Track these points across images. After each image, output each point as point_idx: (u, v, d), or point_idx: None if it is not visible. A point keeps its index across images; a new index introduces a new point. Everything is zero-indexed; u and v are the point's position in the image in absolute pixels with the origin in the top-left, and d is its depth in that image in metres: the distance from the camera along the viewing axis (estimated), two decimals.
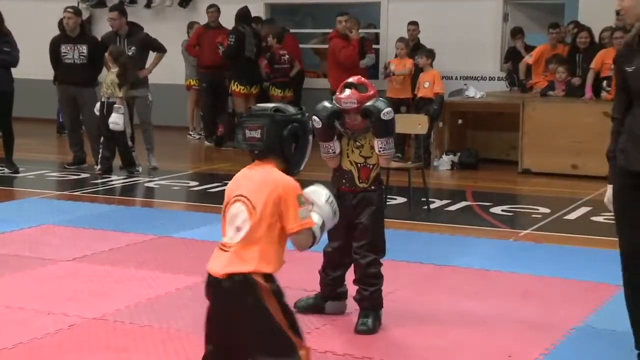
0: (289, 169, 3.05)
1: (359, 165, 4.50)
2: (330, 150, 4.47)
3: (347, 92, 4.39)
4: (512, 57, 12.38)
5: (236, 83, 12.27)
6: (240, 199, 2.98)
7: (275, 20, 13.63)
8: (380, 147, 4.43)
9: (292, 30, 13.71)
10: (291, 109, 3.08)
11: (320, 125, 4.38)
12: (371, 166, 4.52)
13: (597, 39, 10.89)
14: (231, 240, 2.97)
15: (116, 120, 9.38)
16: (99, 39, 10.52)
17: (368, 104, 4.37)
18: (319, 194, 3.13)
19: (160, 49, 10.40)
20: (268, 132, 2.99)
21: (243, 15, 12.44)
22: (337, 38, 11.61)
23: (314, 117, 4.35)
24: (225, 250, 2.98)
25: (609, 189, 3.93)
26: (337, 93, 4.43)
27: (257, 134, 3.00)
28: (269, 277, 2.93)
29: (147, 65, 10.28)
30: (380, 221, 4.57)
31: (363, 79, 4.51)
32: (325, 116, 4.38)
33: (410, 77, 11.24)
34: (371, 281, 4.48)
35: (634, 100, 3.74)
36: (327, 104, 4.45)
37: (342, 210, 4.15)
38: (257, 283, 2.89)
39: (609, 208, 3.97)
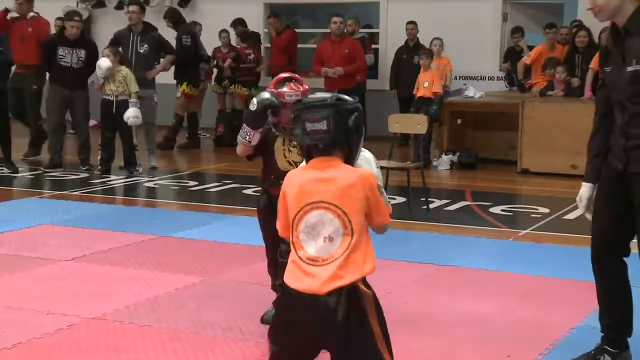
0: (349, 160, 2.82)
1: (297, 164, 4.14)
2: (249, 137, 4.25)
3: (290, 85, 4.25)
4: (511, 57, 12.39)
5: (190, 85, 12.03)
6: (322, 205, 2.74)
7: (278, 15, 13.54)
8: None
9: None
10: (349, 98, 2.88)
11: (254, 109, 4.16)
12: None
13: (596, 39, 10.90)
14: (325, 253, 2.73)
15: (137, 114, 9.41)
16: (113, 36, 10.59)
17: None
18: (367, 160, 2.99)
19: (172, 51, 10.40)
20: (335, 123, 2.76)
21: (178, 14, 12.26)
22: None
23: (253, 100, 4.20)
24: (318, 265, 2.72)
25: (587, 187, 3.85)
26: (272, 87, 4.25)
27: (322, 125, 2.76)
28: (366, 281, 2.78)
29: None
30: None
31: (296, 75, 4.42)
32: (265, 104, 4.14)
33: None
34: None
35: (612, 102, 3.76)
36: (269, 94, 4.20)
37: (274, 215, 4.12)
38: (363, 293, 2.72)
39: (581, 205, 3.90)
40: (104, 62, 9.36)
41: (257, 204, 4.52)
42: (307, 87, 4.34)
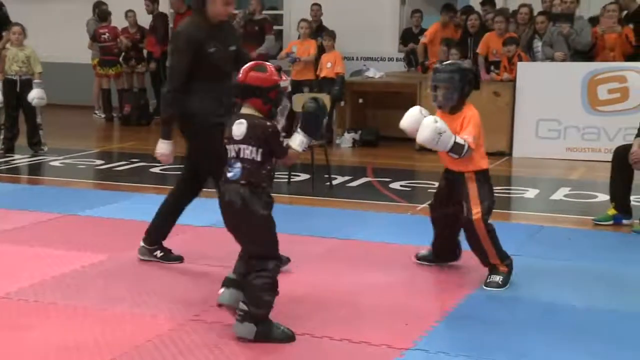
0: None
1: None
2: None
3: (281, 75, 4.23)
4: (407, 38, 12.66)
5: None
6: None
7: None
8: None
9: None
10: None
11: (321, 118, 4.22)
12: None
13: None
14: None
15: (42, 95, 9.34)
16: None
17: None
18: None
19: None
20: None
21: None
22: None
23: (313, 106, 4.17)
24: None
25: (169, 143, 4.99)
26: (277, 77, 4.08)
27: None
28: None
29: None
30: None
31: None
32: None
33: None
34: None
35: (208, 76, 4.86)
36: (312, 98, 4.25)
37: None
38: None
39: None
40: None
41: (270, 206, 4.05)
42: None
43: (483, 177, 4.94)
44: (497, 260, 4.91)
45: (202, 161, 5.05)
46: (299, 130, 4.15)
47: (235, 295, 4.04)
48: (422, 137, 4.78)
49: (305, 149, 4.16)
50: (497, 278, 4.89)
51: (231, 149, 4.02)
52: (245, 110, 4.05)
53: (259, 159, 3.97)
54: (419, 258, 5.42)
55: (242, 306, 3.96)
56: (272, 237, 4.01)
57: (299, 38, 11.82)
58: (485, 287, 4.87)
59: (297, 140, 4.12)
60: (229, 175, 4.00)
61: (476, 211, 4.84)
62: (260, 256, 3.99)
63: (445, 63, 5.12)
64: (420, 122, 4.85)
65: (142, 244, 5.34)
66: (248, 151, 3.97)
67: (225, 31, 5.04)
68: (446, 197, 5.12)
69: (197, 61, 4.87)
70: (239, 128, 3.98)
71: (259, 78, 3.99)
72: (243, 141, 3.97)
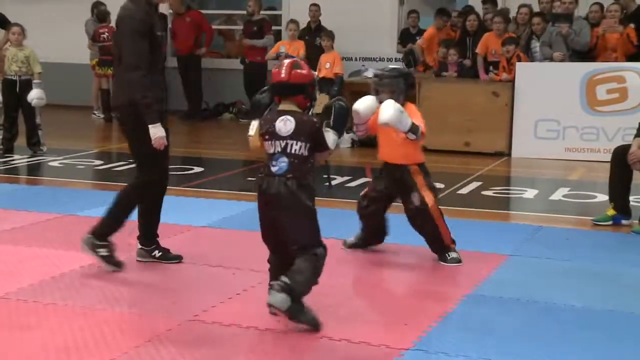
0: None
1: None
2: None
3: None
4: (404, 38, 12.69)
5: None
6: None
7: None
8: None
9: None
10: None
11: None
12: None
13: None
14: None
15: (41, 95, 9.36)
16: None
17: None
18: None
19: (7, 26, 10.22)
20: None
21: None
22: None
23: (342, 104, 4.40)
24: None
25: (160, 127, 4.91)
26: (315, 72, 4.60)
27: None
28: None
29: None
30: None
31: None
32: None
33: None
34: None
35: (153, 61, 4.93)
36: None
37: None
38: None
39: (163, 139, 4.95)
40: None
41: (314, 198, 4.22)
42: None
43: (424, 168, 5.47)
44: (449, 242, 5.37)
45: (145, 150, 4.98)
46: (328, 129, 4.25)
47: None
48: (387, 115, 5.03)
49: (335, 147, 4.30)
50: (454, 254, 5.37)
51: (276, 145, 4.13)
52: (284, 106, 4.18)
53: (306, 153, 4.13)
54: (350, 246, 5.66)
55: (285, 279, 4.03)
56: (318, 226, 4.19)
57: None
58: (446, 264, 5.32)
59: (330, 139, 4.24)
60: (274, 169, 4.12)
61: (429, 197, 5.32)
62: (308, 245, 4.12)
63: (387, 69, 5.53)
64: (374, 109, 5.21)
65: (139, 246, 5.34)
66: (297, 146, 4.11)
67: (159, 16, 5.14)
68: (385, 195, 5.49)
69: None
70: (285, 125, 4.11)
71: (302, 75, 4.17)
72: (292, 137, 4.11)
